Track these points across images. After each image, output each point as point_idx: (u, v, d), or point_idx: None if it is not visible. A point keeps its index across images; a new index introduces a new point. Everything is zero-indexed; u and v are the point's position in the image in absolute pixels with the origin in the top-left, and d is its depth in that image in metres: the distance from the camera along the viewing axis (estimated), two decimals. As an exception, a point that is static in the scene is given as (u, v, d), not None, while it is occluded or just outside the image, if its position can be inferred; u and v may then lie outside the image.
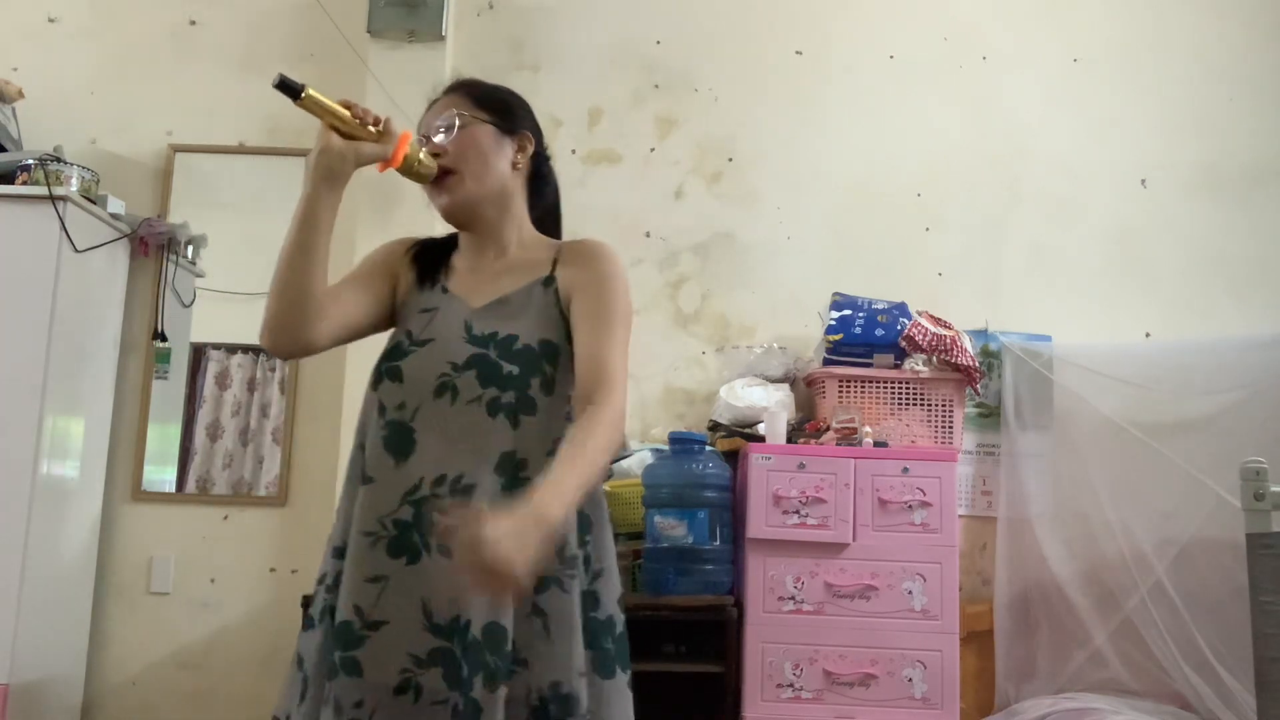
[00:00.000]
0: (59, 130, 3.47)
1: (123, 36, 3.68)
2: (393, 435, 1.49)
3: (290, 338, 1.50)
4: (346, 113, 1.46)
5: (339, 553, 1.50)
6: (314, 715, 1.45)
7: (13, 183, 3.18)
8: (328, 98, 1.45)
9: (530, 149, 1.65)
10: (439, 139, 1.58)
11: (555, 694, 1.43)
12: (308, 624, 1.53)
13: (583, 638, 1.46)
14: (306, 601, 2.85)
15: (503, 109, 1.64)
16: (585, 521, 1.52)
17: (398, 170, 1.51)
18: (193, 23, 3.69)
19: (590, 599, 1.50)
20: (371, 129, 1.47)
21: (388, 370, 1.53)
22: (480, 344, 1.50)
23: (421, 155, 1.54)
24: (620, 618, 1.55)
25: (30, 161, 3.20)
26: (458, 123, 1.58)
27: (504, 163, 1.61)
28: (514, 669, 1.42)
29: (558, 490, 1.30)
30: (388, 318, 1.63)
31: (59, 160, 3.23)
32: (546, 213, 1.72)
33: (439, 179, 1.57)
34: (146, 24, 3.69)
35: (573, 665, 1.44)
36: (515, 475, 1.46)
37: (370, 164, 1.48)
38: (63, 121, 3.54)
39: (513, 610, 1.42)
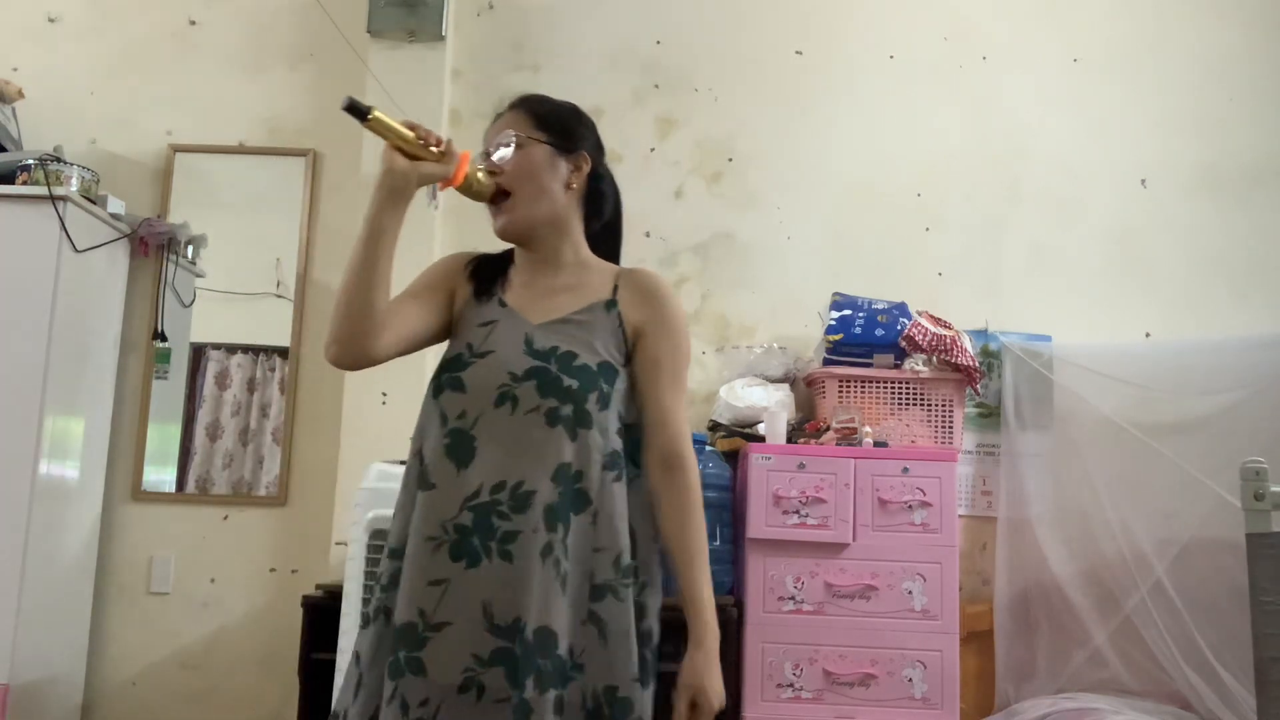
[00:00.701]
0: (59, 130, 3.48)
1: (123, 36, 3.68)
2: (454, 443, 1.53)
3: (355, 351, 1.54)
4: (411, 134, 1.51)
5: (395, 553, 1.54)
6: (369, 712, 1.50)
7: (13, 183, 3.18)
8: (393, 119, 1.50)
9: (586, 169, 1.69)
10: (496, 158, 1.64)
11: (610, 698, 1.49)
12: (363, 622, 1.58)
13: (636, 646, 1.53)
14: (307, 601, 2.88)
15: (562, 128, 1.67)
16: (634, 535, 1.57)
17: (457, 189, 1.56)
18: (193, 23, 3.69)
19: (639, 609, 1.56)
20: (434, 150, 1.52)
21: (449, 380, 1.57)
22: (541, 358, 1.55)
23: (480, 175, 1.59)
24: (658, 631, 1.60)
25: (30, 161, 3.20)
26: (514, 143, 1.63)
27: (557, 184, 1.65)
28: (571, 675, 1.48)
29: (709, 605, 1.56)
30: (445, 330, 1.67)
31: (59, 160, 3.23)
32: (604, 229, 1.76)
33: (495, 199, 1.62)
34: (146, 24, 3.69)
35: (629, 671, 1.51)
36: (571, 486, 1.51)
37: (432, 183, 1.54)
38: (63, 121, 3.54)
39: (567, 616, 1.48)
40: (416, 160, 1.51)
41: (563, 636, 1.47)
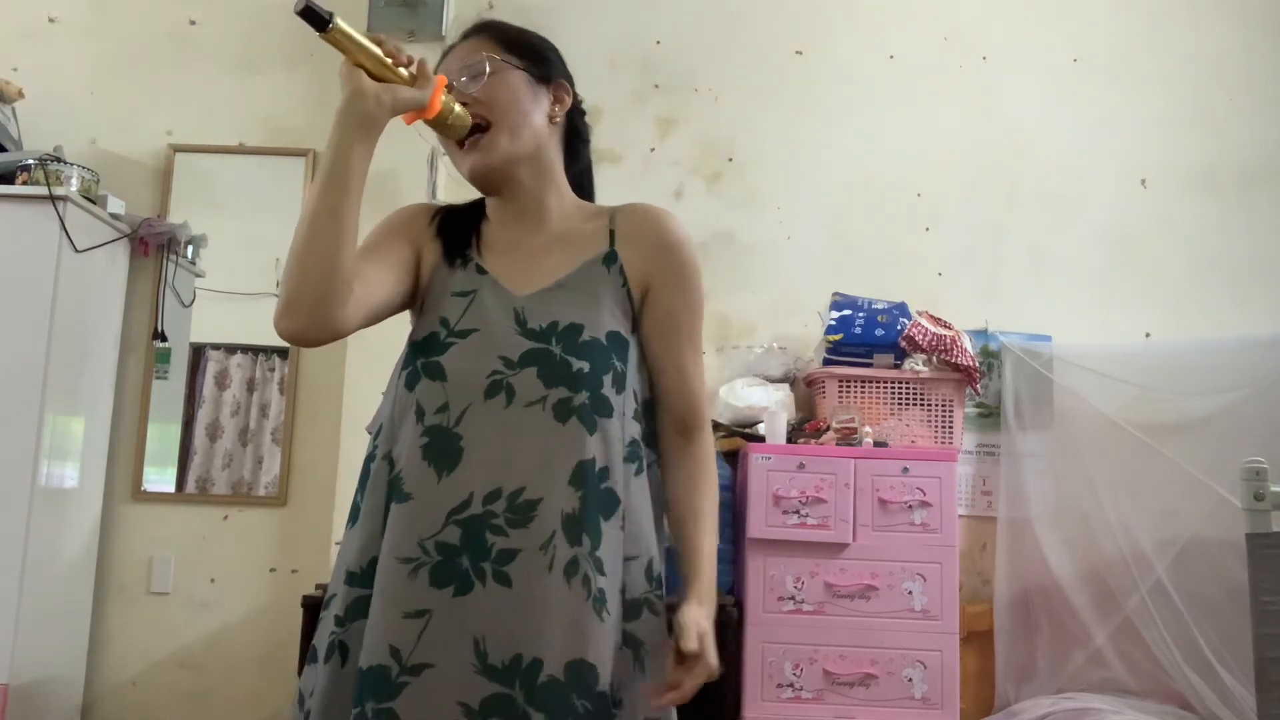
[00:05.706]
0: (59, 130, 3.47)
1: (123, 36, 3.68)
2: (433, 443, 1.28)
3: (315, 319, 1.23)
4: (378, 50, 1.24)
5: (355, 579, 1.29)
6: None
7: (13, 183, 3.18)
8: (358, 33, 1.25)
9: (568, 100, 1.48)
10: (467, 86, 1.39)
11: None
12: (312, 658, 1.34)
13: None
14: (307, 603, 2.87)
15: (535, 54, 1.47)
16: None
17: (428, 121, 1.33)
18: (192, 23, 3.69)
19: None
20: (404, 71, 1.26)
21: (426, 366, 1.31)
22: (538, 338, 1.31)
23: (455, 106, 1.35)
24: None
25: (30, 161, 3.19)
26: (488, 68, 1.39)
27: (540, 115, 1.42)
28: (613, 712, 1.27)
29: (713, 562, 1.39)
30: (412, 296, 1.40)
31: (59, 160, 3.23)
32: (581, 174, 1.53)
33: (467, 135, 1.37)
34: (146, 24, 3.69)
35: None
36: (598, 486, 1.29)
37: (406, 111, 1.28)
38: (63, 121, 3.54)
39: (609, 643, 1.27)
40: (386, 83, 1.25)
41: (604, 669, 1.25)
